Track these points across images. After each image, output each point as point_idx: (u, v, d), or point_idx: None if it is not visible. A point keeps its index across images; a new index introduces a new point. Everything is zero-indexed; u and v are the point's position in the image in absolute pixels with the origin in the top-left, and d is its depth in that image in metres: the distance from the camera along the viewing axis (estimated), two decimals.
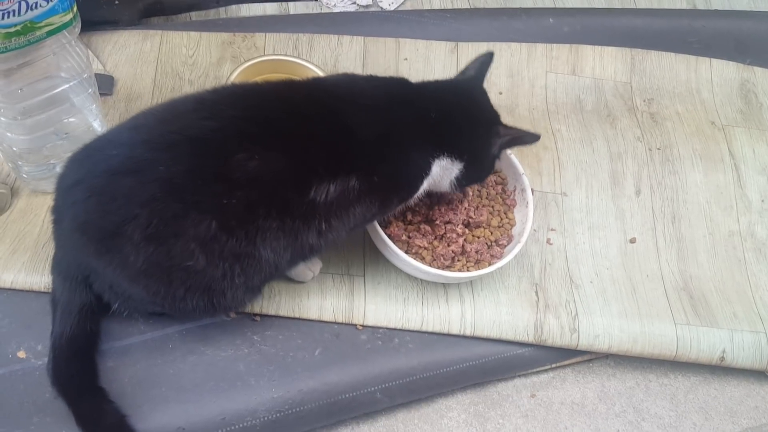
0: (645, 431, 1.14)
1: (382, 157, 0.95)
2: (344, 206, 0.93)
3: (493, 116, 1.08)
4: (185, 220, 0.84)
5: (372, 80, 1.04)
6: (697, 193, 1.36)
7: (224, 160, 0.86)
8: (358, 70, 1.39)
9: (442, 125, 1.00)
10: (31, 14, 0.90)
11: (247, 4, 1.50)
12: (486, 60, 1.11)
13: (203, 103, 0.93)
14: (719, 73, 1.53)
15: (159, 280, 0.88)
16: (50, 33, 0.95)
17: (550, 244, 1.24)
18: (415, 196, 1.03)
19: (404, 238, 1.10)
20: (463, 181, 1.06)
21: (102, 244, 0.87)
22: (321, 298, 1.11)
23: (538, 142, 1.07)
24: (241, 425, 0.99)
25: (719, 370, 1.21)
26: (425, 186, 1.02)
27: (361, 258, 1.16)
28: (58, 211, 0.94)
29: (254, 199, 0.86)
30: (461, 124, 1.02)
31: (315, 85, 1.03)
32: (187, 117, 0.91)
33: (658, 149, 1.40)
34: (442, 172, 1.02)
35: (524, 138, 1.07)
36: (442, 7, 1.55)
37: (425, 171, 1.00)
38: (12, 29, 0.89)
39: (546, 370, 1.18)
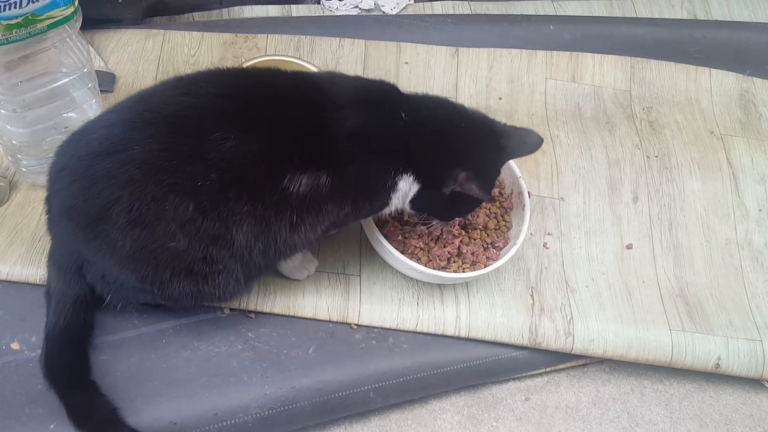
0: None
1: (352, 158, 0.93)
2: (316, 201, 0.92)
3: (469, 158, 0.99)
4: (164, 203, 0.85)
5: (358, 80, 1.02)
6: (694, 201, 1.36)
7: (200, 139, 0.85)
8: (358, 73, 1.40)
9: (410, 141, 0.96)
10: (32, 6, 0.91)
11: (249, 6, 1.51)
12: (532, 137, 1.05)
13: (182, 80, 0.94)
14: (718, 83, 1.53)
15: (146, 264, 0.89)
16: (51, 26, 0.95)
17: (547, 248, 1.24)
18: (390, 209, 1.01)
19: (400, 238, 1.10)
20: (417, 205, 1.01)
21: (89, 229, 0.87)
22: (316, 297, 1.11)
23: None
24: (233, 421, 0.99)
25: (714, 377, 1.20)
26: (397, 202, 0.99)
27: (357, 257, 1.16)
28: (49, 201, 0.94)
29: (227, 181, 0.86)
30: (427, 146, 0.97)
31: (299, 75, 1.01)
32: (164, 94, 0.91)
33: (656, 157, 1.40)
34: (409, 190, 0.99)
35: (478, 197, 0.99)
36: (444, 12, 1.56)
37: (391, 183, 0.97)
38: (13, 21, 0.90)
39: (541, 374, 1.18)
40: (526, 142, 1.05)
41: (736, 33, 1.59)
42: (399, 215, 1.11)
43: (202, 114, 0.87)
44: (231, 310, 1.08)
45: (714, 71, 1.54)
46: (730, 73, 1.54)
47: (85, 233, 0.88)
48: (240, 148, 0.86)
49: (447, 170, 0.97)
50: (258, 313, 1.09)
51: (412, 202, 1.00)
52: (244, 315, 1.09)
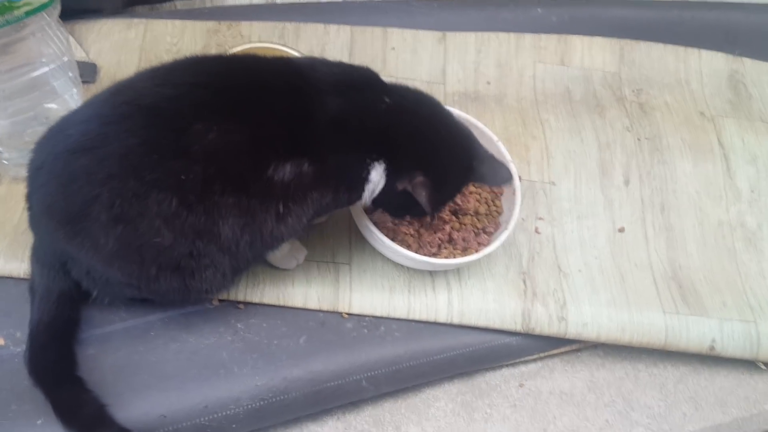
0: (634, 421, 1.13)
1: (331, 145, 0.92)
2: (301, 190, 0.90)
3: (432, 165, 0.96)
4: (147, 199, 0.83)
5: (334, 66, 1.00)
6: (686, 183, 1.35)
7: (181, 132, 0.83)
8: (345, 60, 1.37)
9: (385, 133, 0.95)
10: None
11: None
12: (501, 169, 1.05)
13: (159, 70, 0.91)
14: (708, 64, 1.52)
15: (131, 260, 0.87)
16: (29, 13, 0.93)
17: (538, 233, 1.23)
18: (362, 202, 0.99)
19: (390, 224, 1.08)
20: (380, 204, 1.00)
21: (70, 227, 0.86)
22: (306, 286, 1.09)
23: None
24: (224, 413, 0.98)
25: (709, 359, 1.20)
26: (367, 194, 0.97)
27: (346, 246, 1.15)
28: (29, 198, 0.92)
29: (211, 173, 0.84)
30: (400, 141, 0.96)
31: (279, 61, 0.99)
32: (141, 85, 0.88)
33: (647, 139, 1.39)
34: (377, 182, 0.96)
35: (423, 206, 0.96)
36: None
37: (365, 173, 0.95)
38: None
39: (534, 360, 1.17)
40: (496, 174, 1.04)
41: (725, 13, 1.57)
42: None
43: (181, 105, 0.85)
44: (220, 301, 1.07)
45: (704, 52, 1.53)
46: (720, 53, 1.53)
47: (66, 231, 0.86)
48: (223, 139, 0.84)
49: (408, 168, 0.95)
50: (247, 304, 1.07)
51: (373, 201, 0.99)
52: (233, 306, 1.07)
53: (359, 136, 0.94)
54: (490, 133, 1.16)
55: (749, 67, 1.53)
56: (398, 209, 1.04)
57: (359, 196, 0.98)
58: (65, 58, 1.04)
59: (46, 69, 1.02)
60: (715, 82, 1.51)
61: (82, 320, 1.00)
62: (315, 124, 0.91)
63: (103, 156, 0.82)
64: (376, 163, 0.94)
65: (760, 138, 1.42)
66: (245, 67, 0.95)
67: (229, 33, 1.37)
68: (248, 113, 0.87)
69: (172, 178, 0.83)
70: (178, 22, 1.36)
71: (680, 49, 1.52)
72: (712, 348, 1.16)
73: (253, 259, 0.97)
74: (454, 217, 1.11)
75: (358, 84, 0.97)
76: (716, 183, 1.36)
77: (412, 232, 1.09)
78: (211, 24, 1.37)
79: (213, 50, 1.33)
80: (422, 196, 0.95)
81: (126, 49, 1.31)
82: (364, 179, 0.95)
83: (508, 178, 1.06)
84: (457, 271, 1.14)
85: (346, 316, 1.09)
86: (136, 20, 1.35)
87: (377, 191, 0.97)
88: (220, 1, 1.48)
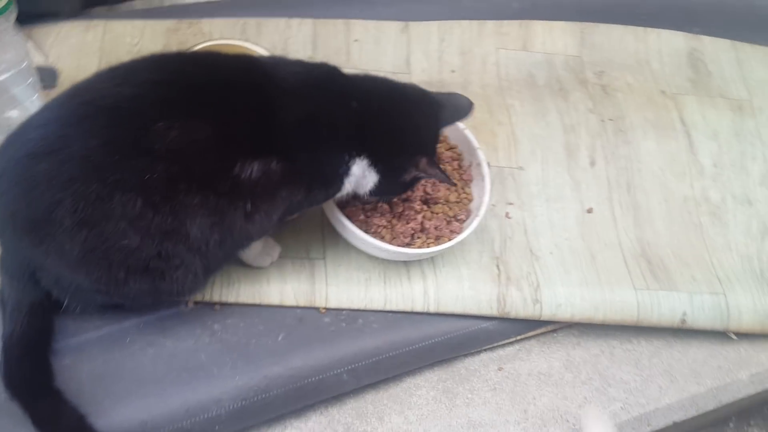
0: (612, 397, 1.15)
1: (302, 144, 0.92)
2: (269, 188, 0.90)
3: (425, 145, 1.02)
4: (111, 201, 0.81)
5: (297, 64, 1.00)
6: (650, 162, 1.37)
7: (142, 131, 0.82)
8: (308, 53, 1.37)
9: (364, 126, 0.96)
10: None
11: None
12: (460, 103, 1.05)
13: (118, 69, 0.89)
14: (668, 43, 1.54)
15: (99, 265, 0.86)
16: None
17: (509, 217, 1.24)
18: (342, 193, 1.01)
19: (362, 217, 1.09)
20: (374, 193, 1.02)
21: (35, 234, 0.84)
22: (281, 283, 1.09)
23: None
24: (206, 415, 0.97)
25: (682, 333, 1.22)
26: (349, 186, 0.99)
27: (320, 241, 1.15)
28: None
29: (175, 172, 0.83)
30: (386, 135, 0.98)
31: (242, 59, 0.99)
32: (100, 86, 0.87)
33: (611, 120, 1.41)
34: (363, 175, 0.99)
35: (441, 179, 1.01)
36: None
37: (344, 169, 0.96)
38: None
39: (512, 343, 1.18)
40: (458, 109, 1.06)
41: None
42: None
43: (142, 104, 0.84)
44: (195, 303, 1.06)
45: (663, 32, 1.55)
46: (679, 32, 1.56)
47: (31, 238, 0.85)
48: (186, 137, 0.83)
49: (407, 158, 0.99)
50: (223, 304, 1.07)
51: (370, 191, 1.00)
52: (208, 307, 1.07)
53: (331, 135, 0.94)
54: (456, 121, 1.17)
55: (708, 44, 1.56)
56: (401, 190, 1.07)
57: (338, 190, 0.98)
58: (24, 64, 1.02)
59: (5, 76, 1.00)
60: (674, 60, 1.53)
61: (56, 330, 0.99)
62: (281, 123, 0.90)
63: (64, 159, 0.81)
64: (357, 159, 0.96)
65: (721, 114, 1.45)
66: (207, 65, 0.94)
67: (190, 31, 1.35)
68: (212, 111, 0.86)
69: (136, 178, 0.82)
70: (137, 22, 1.34)
71: (640, 30, 1.54)
72: (683, 321, 1.19)
73: (224, 259, 0.97)
74: (425, 207, 1.12)
75: (323, 83, 0.97)
76: (680, 160, 1.39)
77: (385, 223, 1.09)
78: (171, 23, 1.36)
79: (173, 49, 1.32)
80: (437, 173, 0.99)
81: (85, 51, 1.29)
82: (342, 174, 0.96)
83: (468, 105, 1.06)
84: (432, 259, 1.15)
85: (324, 310, 1.10)
86: (94, 22, 1.33)
87: (371, 185, 1.00)
88: None
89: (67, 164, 0.81)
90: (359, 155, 0.96)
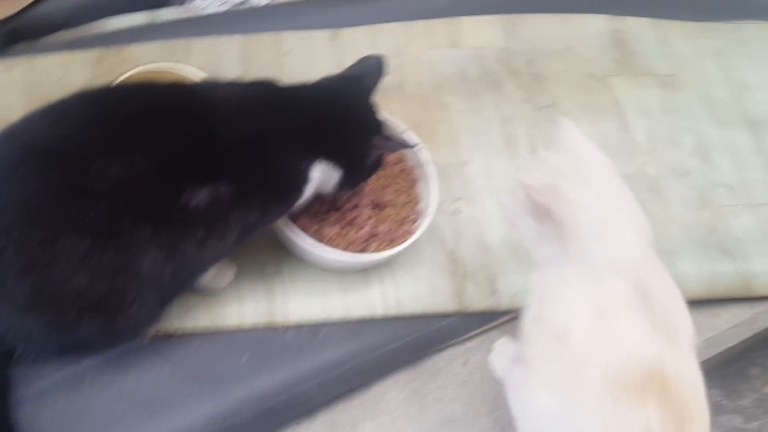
0: None
1: (250, 164, 0.92)
2: (221, 213, 0.90)
3: (371, 124, 1.05)
4: (55, 243, 0.80)
5: (233, 85, 1.00)
6: None
7: (82, 170, 0.81)
8: (240, 70, 1.36)
9: (315, 131, 0.97)
10: None
11: (113, 18, 1.44)
12: (373, 65, 1.08)
13: (51, 109, 0.88)
14: (592, 27, 1.58)
15: (49, 309, 0.84)
16: None
17: (459, 212, 1.25)
18: (302, 201, 1.01)
19: (314, 228, 1.08)
20: (344, 186, 1.04)
21: None
22: (239, 304, 1.08)
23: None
24: None
25: None
26: (310, 191, 1.00)
27: (274, 255, 1.14)
28: None
29: (120, 208, 0.82)
30: (336, 130, 1.00)
31: (176, 87, 0.99)
32: (33, 127, 0.85)
33: (546, 107, 1.44)
34: (325, 177, 1.00)
35: (398, 148, 1.07)
36: None
37: (303, 177, 0.98)
38: None
39: (475, 336, 1.19)
40: (374, 72, 1.08)
41: None
42: (309, 205, 1.09)
43: (79, 142, 0.82)
44: (152, 335, 1.04)
45: (586, 16, 1.58)
46: (601, 15, 1.59)
47: None
48: (127, 172, 0.82)
49: (364, 145, 1.02)
50: (181, 333, 1.05)
51: (340, 185, 1.03)
52: (166, 338, 1.05)
53: (282, 148, 0.94)
54: (397, 122, 1.17)
55: (630, 24, 1.60)
56: (371, 172, 1.09)
57: (297, 199, 0.99)
58: None
59: None
60: (600, 43, 1.57)
61: (14, 379, 0.95)
62: (226, 145, 0.90)
63: (2, 204, 0.79)
64: (314, 164, 0.97)
65: (649, 90, 1.50)
66: (141, 97, 0.93)
67: (117, 59, 1.32)
68: (151, 143, 0.85)
69: (79, 218, 0.80)
70: (61, 55, 1.31)
71: (563, 17, 1.58)
72: None
73: (181, 288, 0.95)
74: (375, 211, 1.12)
75: (263, 100, 0.97)
76: (615, 139, 1.42)
77: (338, 230, 1.09)
78: (96, 52, 1.33)
79: (102, 79, 1.29)
80: (393, 143, 1.05)
81: (10, 90, 1.25)
82: (301, 183, 0.98)
83: (378, 62, 1.09)
84: (388, 263, 1.15)
85: (285, 327, 1.09)
86: (17, 59, 1.29)
87: (335, 181, 1.02)
88: (101, 28, 1.43)
89: (5, 210, 0.79)
90: (316, 160, 0.97)
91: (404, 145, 1.05)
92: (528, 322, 0.92)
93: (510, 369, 0.98)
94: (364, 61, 1.09)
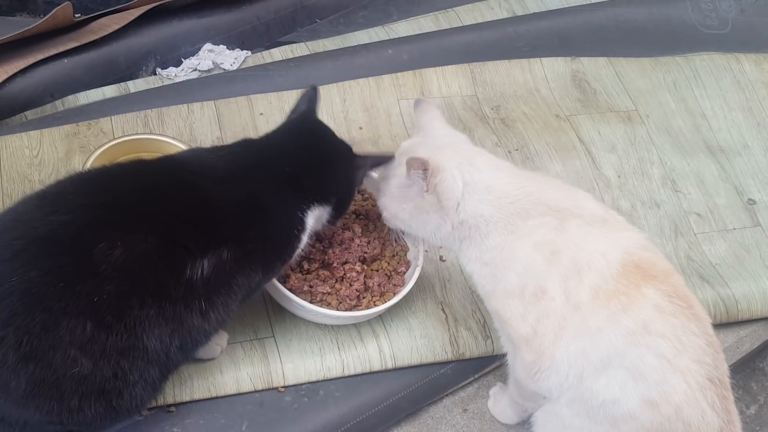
0: None
1: (249, 224, 0.93)
2: (224, 280, 0.90)
3: (344, 149, 1.07)
4: (57, 329, 0.79)
5: (216, 150, 1.01)
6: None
7: (84, 254, 0.81)
8: (215, 134, 1.37)
9: (300, 179, 0.99)
10: None
11: (83, 92, 1.44)
12: (311, 94, 1.10)
13: (46, 197, 0.88)
14: (551, 70, 1.63)
15: (49, 397, 0.82)
16: None
17: (443, 260, 1.27)
18: (298, 251, 1.02)
19: (306, 288, 1.08)
20: (333, 220, 1.06)
21: None
22: (235, 370, 1.07)
23: None
24: None
25: None
26: (305, 240, 1.01)
27: (266, 319, 1.13)
28: None
29: (126, 289, 0.82)
30: (320, 170, 1.02)
31: (165, 161, 1.00)
32: (30, 217, 0.85)
33: (517, 150, 1.47)
34: (318, 217, 1.02)
35: (381, 161, 1.07)
36: (284, 58, 1.56)
37: (300, 226, 0.99)
38: None
39: (471, 383, 1.19)
40: (312, 99, 1.10)
41: (554, 20, 1.71)
42: (299, 264, 1.09)
43: (79, 228, 0.83)
44: (149, 409, 1.02)
45: (544, 60, 1.64)
46: (559, 58, 1.65)
47: None
48: (131, 253, 0.82)
49: (349, 170, 1.05)
50: (179, 405, 1.03)
51: (327, 221, 1.04)
52: (164, 411, 1.03)
53: (278, 204, 0.96)
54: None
55: (587, 64, 1.66)
56: (351, 201, 1.10)
57: (294, 250, 1.00)
58: None
59: None
60: (561, 84, 1.62)
61: None
62: (223, 211, 0.91)
63: (2, 295, 0.78)
64: (309, 211, 0.99)
65: (613, 127, 1.55)
66: (134, 176, 0.93)
67: (90, 132, 1.32)
68: (151, 222, 0.86)
69: (83, 302, 0.80)
70: (33, 133, 1.30)
71: (524, 61, 1.63)
72: None
73: (182, 362, 0.94)
74: (365, 266, 1.13)
75: (250, 161, 0.98)
76: (586, 176, 1.46)
77: (329, 289, 1.09)
78: (68, 127, 1.32)
79: (77, 153, 1.29)
80: (370, 158, 1.08)
81: None
82: (299, 233, 0.99)
83: (313, 90, 1.11)
84: (380, 316, 1.15)
85: (283, 389, 1.08)
86: None
87: (326, 218, 1.04)
88: (71, 103, 1.43)
89: (6, 300, 0.78)
90: (311, 206, 0.99)
91: (381, 155, 1.08)
92: (502, 303, 0.95)
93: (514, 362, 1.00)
94: (307, 92, 1.10)
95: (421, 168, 0.93)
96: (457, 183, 0.95)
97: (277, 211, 0.96)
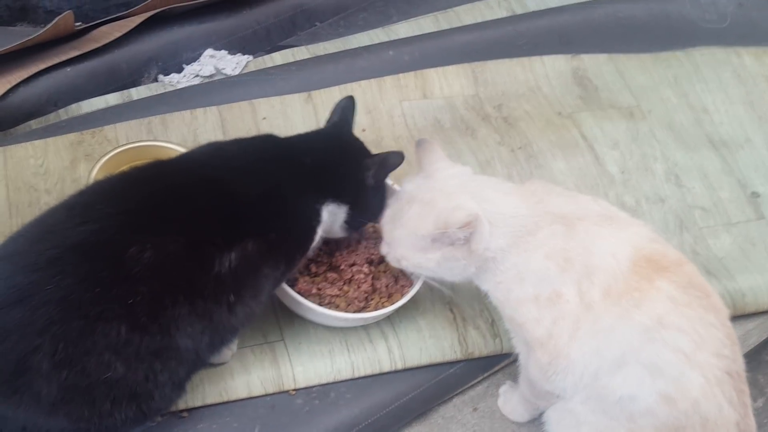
0: None
1: (271, 215, 0.95)
2: (251, 271, 0.92)
3: (360, 154, 1.09)
4: (93, 334, 0.80)
5: (238, 143, 1.04)
6: (564, 180, 1.44)
7: (117, 259, 0.82)
8: (219, 139, 1.37)
9: (318, 173, 1.01)
10: None
11: (86, 101, 1.44)
12: (346, 104, 1.12)
13: (73, 208, 0.90)
14: (552, 67, 1.64)
15: (81, 403, 0.83)
16: None
17: None
18: (314, 245, 1.04)
19: (314, 291, 1.08)
20: (354, 223, 1.07)
21: (5, 387, 0.80)
22: (246, 374, 1.07)
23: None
24: None
25: None
26: (320, 233, 1.03)
27: (275, 323, 1.14)
28: None
29: (159, 289, 0.84)
30: (334, 168, 1.04)
31: (183, 160, 1.02)
32: (61, 227, 0.86)
33: (520, 148, 1.48)
34: (332, 218, 1.03)
35: (390, 160, 1.06)
36: (286, 62, 1.56)
37: (317, 218, 1.01)
38: None
39: (480, 381, 1.20)
40: (348, 109, 1.13)
41: (554, 18, 1.70)
42: (307, 267, 1.10)
43: (110, 235, 0.84)
44: (161, 416, 1.02)
45: (545, 58, 1.64)
46: (560, 55, 1.65)
47: (1, 391, 0.81)
48: (162, 254, 0.84)
49: (359, 171, 1.04)
50: (191, 410, 1.04)
51: (346, 223, 1.05)
52: (176, 417, 1.03)
53: (297, 196, 0.98)
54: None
55: (588, 61, 1.66)
56: (378, 207, 1.08)
57: (312, 242, 1.02)
58: None
59: None
60: (562, 82, 1.62)
61: None
62: (245, 203, 0.93)
63: (37, 304, 0.79)
64: (324, 206, 1.01)
65: (615, 123, 1.55)
66: (155, 178, 0.95)
67: (95, 140, 1.32)
68: (175, 222, 0.88)
69: (119, 305, 0.81)
70: (38, 142, 1.30)
71: (525, 60, 1.63)
72: None
73: (208, 359, 0.96)
74: (372, 267, 1.13)
75: (269, 153, 1.01)
76: (590, 173, 1.46)
77: (337, 291, 1.09)
78: (73, 136, 1.32)
79: (82, 162, 1.29)
80: (378, 156, 1.07)
81: None
82: (315, 225, 1.01)
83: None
84: (389, 318, 1.16)
85: (294, 392, 1.08)
86: None
87: (343, 218, 1.05)
88: (75, 111, 1.43)
89: (42, 308, 0.79)
90: (326, 201, 1.01)
91: (391, 153, 1.07)
92: (517, 309, 0.97)
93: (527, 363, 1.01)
94: (338, 104, 1.13)
95: (467, 227, 0.92)
96: (485, 227, 0.94)
97: (296, 202, 0.98)
